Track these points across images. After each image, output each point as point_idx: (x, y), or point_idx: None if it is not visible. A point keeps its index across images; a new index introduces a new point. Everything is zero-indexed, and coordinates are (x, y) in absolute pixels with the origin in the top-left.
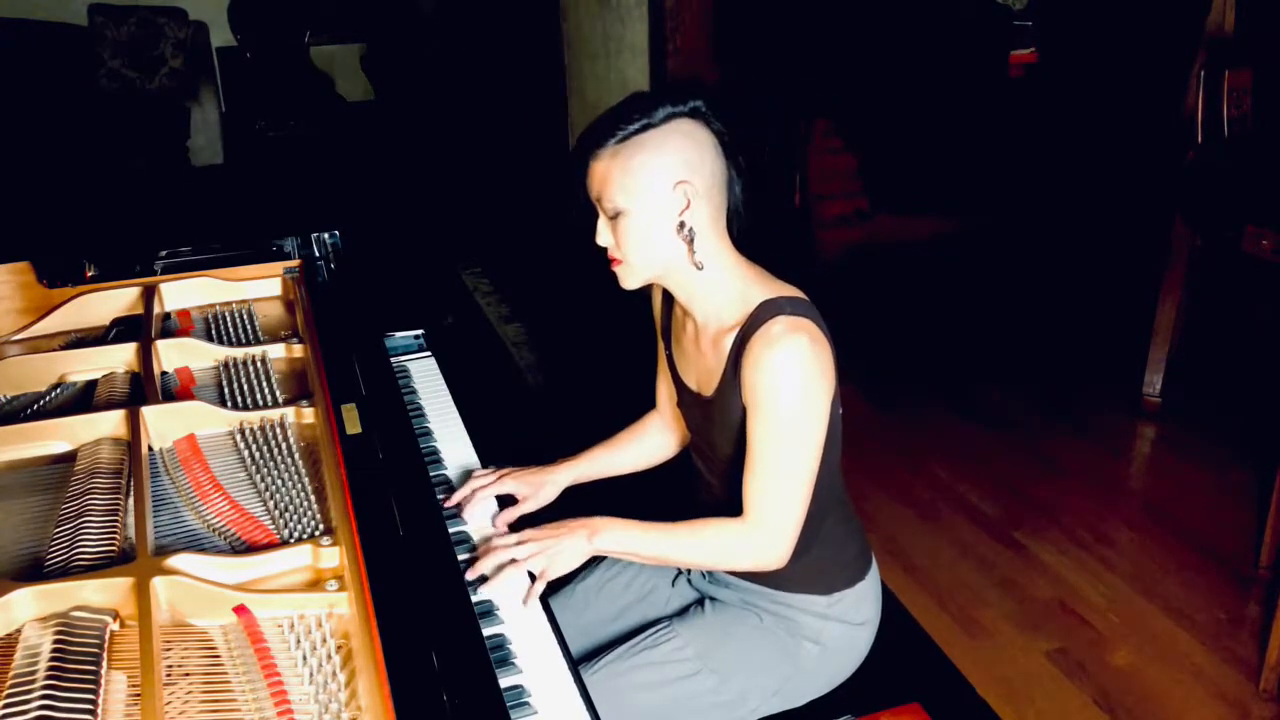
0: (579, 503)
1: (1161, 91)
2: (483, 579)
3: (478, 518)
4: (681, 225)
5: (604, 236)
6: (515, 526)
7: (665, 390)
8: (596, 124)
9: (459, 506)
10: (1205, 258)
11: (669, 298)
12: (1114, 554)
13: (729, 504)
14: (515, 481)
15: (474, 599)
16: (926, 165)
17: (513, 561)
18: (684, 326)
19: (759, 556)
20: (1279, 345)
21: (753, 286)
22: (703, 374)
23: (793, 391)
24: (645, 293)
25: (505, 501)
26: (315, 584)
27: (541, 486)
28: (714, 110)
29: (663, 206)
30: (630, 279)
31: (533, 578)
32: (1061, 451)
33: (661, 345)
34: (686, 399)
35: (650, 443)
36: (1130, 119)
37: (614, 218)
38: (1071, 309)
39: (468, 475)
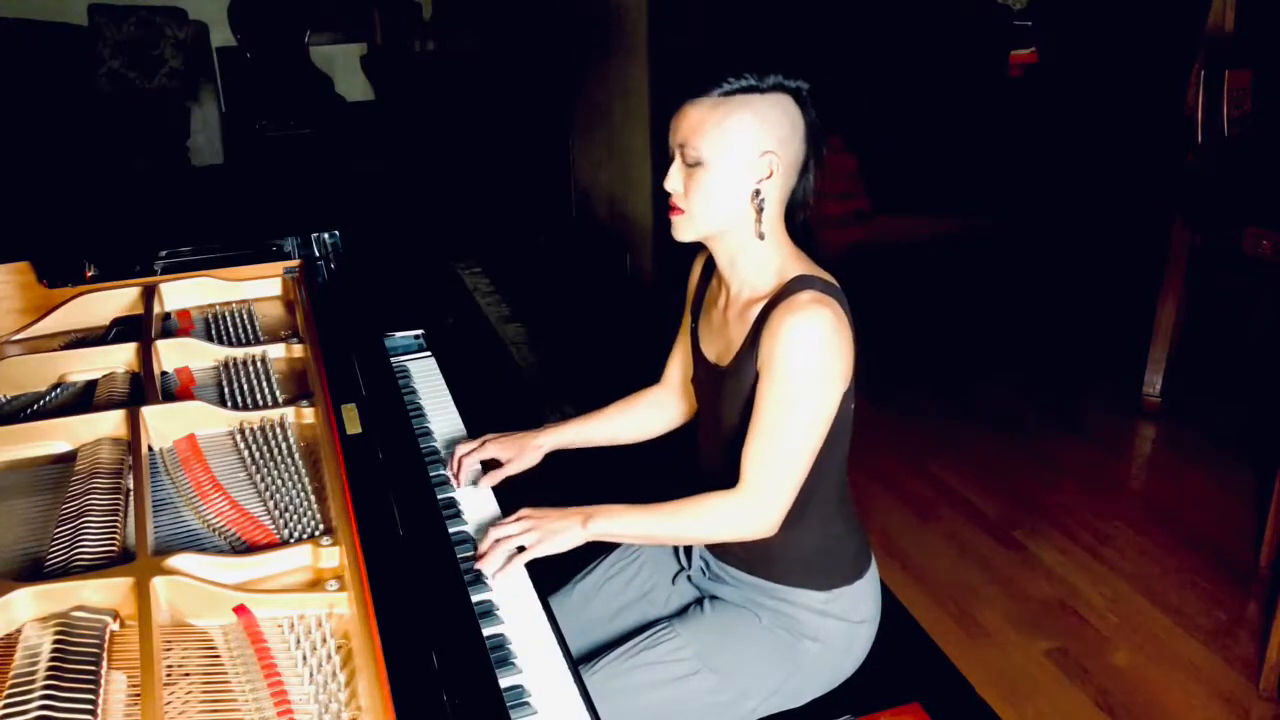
0: (572, 478)
1: (1161, 92)
2: (480, 556)
3: (464, 483)
4: (756, 193)
5: (674, 181)
6: (510, 503)
7: (678, 365)
8: (707, 69)
9: (453, 477)
10: (1205, 258)
11: (708, 272)
12: (1114, 554)
13: (730, 483)
14: (497, 446)
15: (474, 599)
16: (926, 165)
17: (509, 538)
18: (717, 299)
19: (748, 524)
20: (1278, 345)
21: (792, 264)
22: (724, 346)
23: (807, 360)
24: (662, 278)
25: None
26: (315, 584)
27: (524, 450)
28: (813, 98)
29: (746, 169)
30: (687, 230)
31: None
32: (1061, 451)
33: (688, 318)
34: (702, 373)
35: (641, 416)
36: (1130, 119)
37: (692, 166)
38: (1071, 309)
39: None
